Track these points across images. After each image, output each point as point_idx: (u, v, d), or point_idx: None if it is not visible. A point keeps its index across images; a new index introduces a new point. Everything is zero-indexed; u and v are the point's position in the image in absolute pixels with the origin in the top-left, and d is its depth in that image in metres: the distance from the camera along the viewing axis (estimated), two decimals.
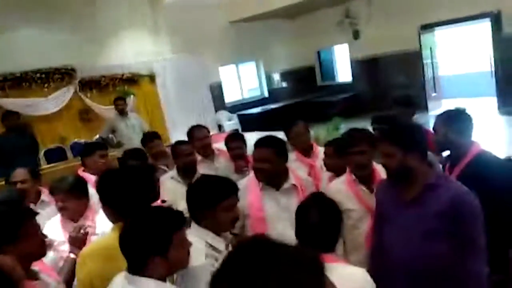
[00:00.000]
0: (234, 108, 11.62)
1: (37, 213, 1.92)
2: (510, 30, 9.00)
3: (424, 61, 10.60)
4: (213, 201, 1.87)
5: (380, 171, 2.40)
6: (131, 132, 6.52)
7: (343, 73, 13.10)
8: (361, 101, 11.74)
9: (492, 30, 9.25)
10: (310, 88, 13.13)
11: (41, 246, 1.84)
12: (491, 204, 1.97)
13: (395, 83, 10.90)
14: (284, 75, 12.98)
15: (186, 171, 3.24)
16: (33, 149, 5.83)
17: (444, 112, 2.62)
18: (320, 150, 3.36)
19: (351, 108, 11.29)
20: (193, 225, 1.93)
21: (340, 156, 2.61)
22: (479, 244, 1.87)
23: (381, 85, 11.31)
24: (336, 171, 2.81)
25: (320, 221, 1.65)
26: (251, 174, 2.61)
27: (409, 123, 2.29)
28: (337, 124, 7.28)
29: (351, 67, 12.31)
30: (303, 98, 12.35)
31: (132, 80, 9.23)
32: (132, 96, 8.90)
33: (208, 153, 3.71)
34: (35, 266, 1.88)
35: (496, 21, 9.11)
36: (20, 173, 3.27)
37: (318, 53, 13.32)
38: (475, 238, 1.87)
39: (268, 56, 12.41)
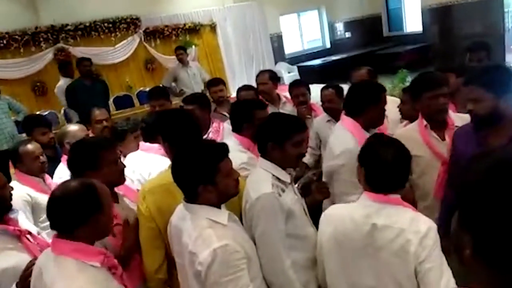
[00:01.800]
0: (294, 59, 11.38)
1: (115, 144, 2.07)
2: None
3: (506, 9, 9.62)
4: (282, 136, 1.90)
5: (454, 118, 2.33)
6: (193, 81, 6.66)
7: (412, 23, 12.27)
8: (431, 53, 11.00)
9: None
10: (376, 39, 12.49)
11: (120, 174, 2.00)
12: None
13: (469, 33, 10.02)
14: (348, 25, 12.41)
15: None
16: (105, 94, 6.11)
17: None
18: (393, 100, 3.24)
19: (420, 60, 10.62)
20: (260, 159, 1.98)
21: (415, 101, 2.45)
22: None
23: (453, 35, 10.46)
24: (412, 119, 2.68)
25: (391, 160, 1.59)
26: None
27: (500, 65, 2.07)
28: (403, 77, 6.96)
29: (422, 16, 11.47)
30: (367, 50, 11.79)
31: (194, 29, 9.28)
32: (194, 46, 8.96)
33: (273, 99, 3.70)
34: (119, 190, 2.07)
35: None
36: (103, 113, 3.51)
37: (386, 1, 12.51)
38: None
39: (331, 3, 11.88)
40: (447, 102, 2.28)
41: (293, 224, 1.86)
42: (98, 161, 1.91)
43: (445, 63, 9.43)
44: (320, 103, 3.35)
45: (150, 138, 2.71)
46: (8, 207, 1.97)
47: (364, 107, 2.34)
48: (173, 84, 6.78)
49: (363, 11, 12.46)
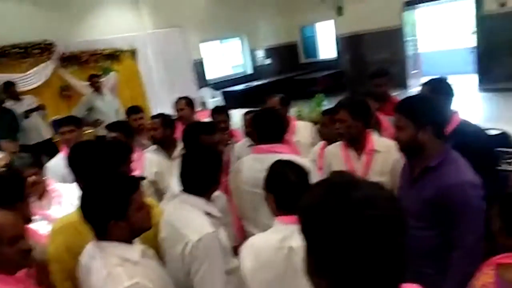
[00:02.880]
0: (219, 85, 11.55)
1: None
2: (490, 7, 9.11)
3: (405, 38, 10.68)
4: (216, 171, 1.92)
5: (377, 143, 2.48)
6: (109, 110, 6.34)
7: (326, 50, 13.11)
8: (344, 78, 11.81)
9: (476, 7, 9.32)
10: (294, 65, 13.13)
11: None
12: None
13: (378, 60, 10.97)
14: (268, 52, 12.91)
15: (162, 144, 3.28)
16: (13, 127, 5.73)
17: (430, 81, 2.67)
18: (298, 125, 3.44)
19: (335, 85, 11.35)
20: (187, 196, 1.94)
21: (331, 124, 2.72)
22: (464, 246, 1.76)
23: (363, 62, 11.37)
24: (331, 140, 2.87)
25: (296, 180, 1.69)
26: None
27: (425, 96, 2.21)
28: (320, 101, 7.31)
29: (337, 43, 12.31)
30: (286, 75, 12.36)
31: (113, 55, 9.06)
32: (113, 72, 8.75)
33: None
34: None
35: None
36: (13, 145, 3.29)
37: (302, 29, 13.27)
38: (460, 238, 1.77)
39: (252, 32, 12.31)
40: (341, 127, 2.44)
41: (226, 260, 1.85)
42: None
43: (357, 87, 10.16)
44: (242, 128, 3.46)
45: None
46: None
47: (281, 135, 2.46)
48: (86, 113, 6.33)
49: (281, 39, 13.06)
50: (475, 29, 9.53)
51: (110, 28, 9.14)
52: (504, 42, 8.97)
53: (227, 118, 3.68)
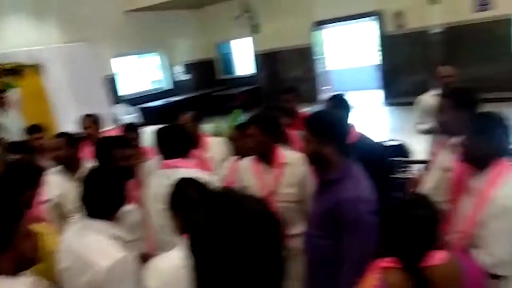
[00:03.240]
0: (135, 100, 11.18)
1: None
2: (391, 28, 9.95)
3: (316, 56, 11.27)
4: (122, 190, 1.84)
5: (284, 154, 2.54)
6: (13, 128, 5.89)
7: (243, 67, 13.36)
8: (262, 94, 12.09)
9: (378, 28, 10.12)
10: (212, 81, 13.19)
11: None
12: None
13: (292, 76, 11.43)
14: (187, 68, 12.84)
15: (66, 165, 3.08)
16: None
17: (332, 97, 2.81)
18: (211, 142, 3.45)
19: (252, 101, 11.57)
20: (87, 222, 1.81)
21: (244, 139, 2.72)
22: (352, 259, 1.82)
23: (279, 78, 11.76)
24: (243, 154, 2.87)
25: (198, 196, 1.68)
26: None
27: (331, 112, 2.28)
28: (237, 117, 7.40)
29: (255, 60, 12.62)
30: (204, 91, 12.36)
31: (15, 70, 8.38)
32: (14, 88, 8.08)
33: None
34: None
35: (380, 20, 9.99)
36: None
37: (219, 46, 13.41)
38: (347, 249, 1.84)
39: (171, 47, 12.16)
40: (252, 142, 2.49)
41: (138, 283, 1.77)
42: None
43: (272, 103, 10.46)
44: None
45: None
46: None
47: (185, 150, 2.46)
48: None
49: (200, 54, 13.08)
50: (379, 48, 10.33)
51: (12, 41, 8.48)
52: (404, 60, 9.84)
53: (137, 135, 3.57)
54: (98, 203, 1.81)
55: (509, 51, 8.65)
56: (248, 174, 2.58)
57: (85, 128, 3.69)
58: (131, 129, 3.63)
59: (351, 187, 1.88)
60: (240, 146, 3.00)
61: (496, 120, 1.86)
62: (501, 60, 8.62)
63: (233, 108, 8.11)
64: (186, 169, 2.38)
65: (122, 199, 1.88)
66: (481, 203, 1.74)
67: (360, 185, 1.90)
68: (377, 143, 2.71)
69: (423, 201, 1.56)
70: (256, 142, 2.47)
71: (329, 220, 1.90)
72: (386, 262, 1.51)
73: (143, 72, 12.14)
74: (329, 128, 1.95)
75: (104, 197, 1.81)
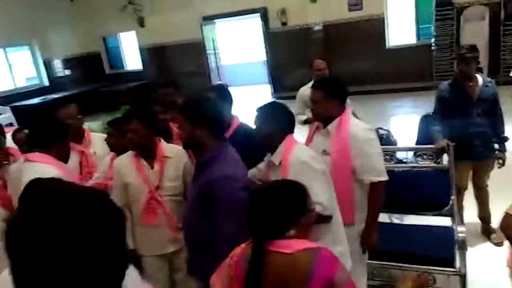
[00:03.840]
0: (7, 99, 10.06)
1: None
2: (274, 25, 10.35)
3: (208, 51, 11.26)
4: None
5: (166, 149, 2.55)
6: None
7: (132, 61, 12.82)
8: (151, 89, 11.72)
9: (262, 25, 10.45)
10: (98, 76, 12.43)
11: None
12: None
13: (184, 71, 11.26)
14: (67, 62, 11.89)
15: None
16: None
17: (214, 87, 3.00)
18: (93, 137, 3.30)
19: (142, 96, 11.14)
20: None
21: (121, 135, 2.62)
22: (224, 235, 1.88)
23: (171, 73, 11.51)
24: (120, 150, 2.75)
25: None
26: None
27: (204, 98, 2.28)
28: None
29: (140, 55, 12.14)
30: (90, 87, 11.60)
31: None
32: None
33: None
34: None
35: (264, 17, 10.33)
36: None
37: (104, 39, 12.66)
38: (220, 225, 1.91)
39: (45, 40, 11.14)
40: (133, 137, 2.44)
41: None
42: None
43: (152, 97, 10.21)
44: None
45: None
46: None
47: (54, 140, 2.40)
48: None
49: (82, 48, 12.20)
50: (264, 44, 10.68)
51: None
52: (288, 56, 10.31)
53: (3, 135, 3.18)
54: None
55: (382, 47, 9.59)
56: (129, 171, 2.49)
57: None
58: None
59: (222, 167, 1.98)
60: (115, 142, 2.87)
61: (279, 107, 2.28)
62: (374, 55, 9.51)
63: (122, 104, 7.73)
64: (38, 165, 2.29)
65: None
66: (284, 171, 2.08)
67: (230, 165, 2.00)
68: (252, 130, 2.83)
69: (278, 185, 1.59)
70: (139, 137, 2.44)
71: (203, 200, 1.97)
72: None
73: (15, 68, 10.95)
74: (200, 112, 2.03)
75: None
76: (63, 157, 2.45)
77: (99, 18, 11.73)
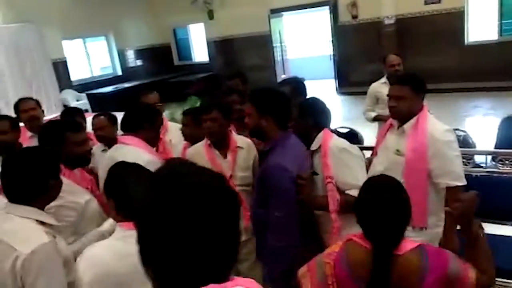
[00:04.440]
0: (83, 87, 10.73)
1: None
2: (344, 19, 10.09)
3: (274, 44, 11.24)
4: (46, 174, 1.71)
5: (237, 140, 2.61)
6: None
7: (200, 53, 13.13)
8: (218, 81, 11.93)
9: (331, 18, 10.23)
10: (167, 67, 12.87)
11: None
12: None
13: (249, 64, 11.34)
14: (139, 53, 12.43)
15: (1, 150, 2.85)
16: None
17: (289, 80, 3.11)
18: (170, 125, 3.43)
19: (208, 88, 11.38)
20: (10, 207, 1.69)
21: (196, 125, 2.75)
22: (274, 219, 1.98)
23: (236, 66, 11.63)
24: (193, 140, 2.85)
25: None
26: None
27: (273, 89, 2.37)
28: (193, 104, 7.31)
29: (208, 47, 12.39)
30: (159, 78, 12.03)
31: None
32: None
33: (38, 127, 3.34)
34: None
35: (334, 9, 10.10)
36: None
37: (174, 31, 13.08)
38: (272, 212, 1.99)
39: (119, 31, 11.71)
40: (212, 126, 2.49)
41: (67, 271, 1.68)
42: None
43: (224, 88, 10.37)
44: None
45: None
46: None
47: (140, 125, 2.49)
48: None
49: (153, 40, 12.69)
50: (332, 37, 10.45)
51: None
52: (356, 51, 10.01)
53: (82, 120, 3.38)
54: (18, 187, 1.69)
55: (460, 43, 9.01)
56: (201, 160, 2.53)
57: (25, 111, 3.40)
58: (75, 113, 3.44)
59: (275, 156, 2.05)
60: (190, 131, 2.96)
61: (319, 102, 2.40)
62: (452, 51, 8.96)
63: (189, 95, 7.97)
64: (131, 147, 2.39)
65: (46, 187, 1.73)
66: (325, 155, 2.21)
67: (283, 155, 2.04)
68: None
69: (391, 184, 1.57)
70: (219, 126, 2.52)
71: (260, 186, 2.06)
72: (356, 236, 1.53)
73: (92, 57, 11.64)
74: (267, 102, 2.12)
75: (23, 181, 1.68)
76: (152, 142, 2.55)
77: (171, 10, 12.10)
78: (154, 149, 2.64)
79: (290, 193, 1.93)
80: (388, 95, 2.38)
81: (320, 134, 2.30)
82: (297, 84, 3.03)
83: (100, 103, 9.75)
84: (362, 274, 1.46)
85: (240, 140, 2.61)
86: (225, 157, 2.55)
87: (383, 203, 1.47)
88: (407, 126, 2.30)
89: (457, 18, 8.93)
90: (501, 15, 8.95)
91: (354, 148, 2.32)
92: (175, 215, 0.73)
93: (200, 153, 2.58)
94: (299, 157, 2.15)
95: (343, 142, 2.30)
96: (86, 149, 2.34)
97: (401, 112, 2.33)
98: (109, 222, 2.11)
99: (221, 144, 2.57)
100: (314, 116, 2.33)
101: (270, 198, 1.98)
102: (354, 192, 1.94)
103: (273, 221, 1.95)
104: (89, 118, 3.52)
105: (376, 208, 1.47)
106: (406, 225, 1.48)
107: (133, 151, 2.35)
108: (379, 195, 1.50)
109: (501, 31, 8.97)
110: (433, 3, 9.06)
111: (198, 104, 6.96)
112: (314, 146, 2.28)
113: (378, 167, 2.39)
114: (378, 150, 2.52)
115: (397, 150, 2.31)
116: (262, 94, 2.20)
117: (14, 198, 1.68)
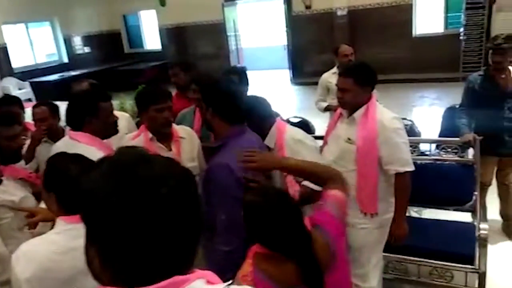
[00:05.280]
0: (26, 74, 10.16)
1: None
2: (297, 8, 10.13)
3: (228, 33, 11.12)
4: None
5: (178, 129, 2.45)
6: None
7: (152, 41, 12.77)
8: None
9: (285, 8, 10.24)
10: (117, 55, 12.44)
11: None
12: None
13: (203, 52, 11.17)
14: (87, 40, 11.91)
15: None
16: None
17: (233, 69, 2.87)
18: (120, 116, 3.20)
19: (160, 77, 11.12)
20: None
21: (142, 114, 2.46)
22: (219, 221, 1.82)
23: (189, 54, 11.44)
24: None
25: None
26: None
27: (217, 81, 2.19)
28: None
29: (160, 34, 12.07)
30: (108, 65, 11.61)
31: None
32: None
33: None
34: None
35: (288, 0, 10.12)
36: None
37: (124, 18, 12.62)
38: (217, 213, 1.83)
39: (66, 17, 11.16)
40: (170, 116, 2.33)
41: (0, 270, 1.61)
42: None
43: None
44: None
45: None
46: None
47: (83, 119, 2.20)
48: None
49: (102, 26, 12.20)
50: (286, 28, 10.48)
51: None
52: (310, 41, 10.11)
53: (20, 110, 3.17)
54: None
55: (409, 35, 9.31)
56: None
57: None
58: (11, 102, 3.21)
59: (221, 155, 1.89)
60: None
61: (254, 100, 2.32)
62: (401, 43, 9.24)
63: (140, 84, 7.71)
64: (84, 147, 2.12)
65: None
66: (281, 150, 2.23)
67: (228, 153, 1.86)
68: None
69: (277, 193, 1.52)
70: (171, 116, 2.39)
71: (205, 186, 1.88)
72: (256, 247, 1.46)
73: (36, 44, 11.02)
74: (209, 96, 1.97)
75: None
76: (101, 132, 2.26)
77: None
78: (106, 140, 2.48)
79: (231, 192, 1.78)
80: (336, 86, 2.40)
81: (274, 128, 2.26)
82: (240, 75, 2.93)
83: (44, 92, 9.28)
84: (292, 281, 1.40)
85: (181, 130, 2.48)
86: (169, 149, 2.38)
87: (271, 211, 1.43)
88: (357, 114, 2.33)
89: (405, 11, 9.22)
90: (447, 9, 9.34)
91: (309, 138, 2.29)
92: (132, 206, 0.68)
93: (141, 145, 2.37)
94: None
95: (298, 133, 2.27)
96: (18, 145, 2.21)
97: (346, 103, 2.36)
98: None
99: (163, 136, 2.38)
100: (258, 111, 2.26)
101: (213, 198, 1.84)
102: (310, 184, 1.91)
103: (220, 224, 1.81)
104: (29, 108, 3.31)
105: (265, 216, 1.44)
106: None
107: (87, 151, 2.17)
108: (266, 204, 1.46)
109: (446, 24, 9.36)
110: None
111: None
112: (269, 143, 2.22)
113: (329, 156, 2.41)
114: (328, 139, 2.53)
115: (348, 139, 2.33)
116: (205, 88, 2.08)
117: None
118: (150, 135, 2.37)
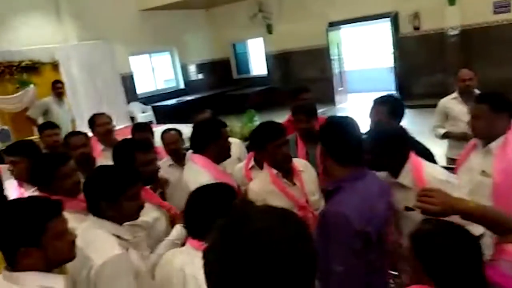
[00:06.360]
0: (148, 99, 11.27)
1: None
2: (405, 30, 9.83)
3: (332, 57, 11.17)
4: (115, 192, 1.76)
5: (295, 162, 2.38)
6: (66, 118, 6.38)
7: (258, 67, 13.34)
8: (275, 94, 12.05)
9: (392, 30, 10.01)
10: (226, 81, 13.20)
11: None
12: None
13: (306, 77, 11.35)
14: (200, 67, 12.87)
15: (80, 163, 3.03)
16: None
17: (385, 99, 2.63)
18: (234, 142, 3.37)
19: (266, 101, 11.54)
20: (91, 218, 1.82)
21: (260, 152, 2.41)
22: (335, 273, 1.68)
23: (293, 79, 11.70)
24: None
25: None
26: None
27: (333, 123, 2.04)
28: (251, 117, 7.34)
29: (266, 60, 12.57)
30: (219, 91, 12.38)
31: (32, 67, 8.51)
32: (32, 85, 8.20)
33: (112, 142, 3.52)
34: None
35: (395, 21, 9.88)
36: None
37: (234, 46, 13.40)
38: (332, 263, 1.69)
39: (182, 46, 12.20)
40: (288, 150, 2.29)
41: (140, 282, 1.74)
42: None
43: (287, 103, 10.41)
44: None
45: None
46: None
47: (206, 143, 2.42)
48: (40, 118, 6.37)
49: (214, 54, 13.09)
50: (393, 50, 10.20)
51: (29, 38, 8.60)
52: (418, 62, 9.70)
53: (149, 134, 3.49)
54: (96, 203, 1.79)
55: None
56: (272, 195, 2.26)
57: (100, 125, 3.62)
58: (143, 128, 3.58)
59: (338, 200, 1.76)
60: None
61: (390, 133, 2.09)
62: None
63: (247, 109, 8.06)
64: (198, 168, 2.37)
65: (120, 205, 1.79)
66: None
67: (346, 200, 1.72)
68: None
69: (460, 230, 1.37)
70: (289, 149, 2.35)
71: (321, 231, 1.77)
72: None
73: (156, 71, 12.20)
74: (326, 140, 1.87)
75: (99, 199, 1.77)
76: (220, 156, 2.48)
77: (231, 25, 12.46)
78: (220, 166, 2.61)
79: (348, 244, 1.64)
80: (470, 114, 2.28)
81: (409, 165, 1.97)
82: (393, 104, 2.58)
83: (164, 115, 10.20)
84: None
85: (297, 163, 2.39)
86: (293, 183, 2.30)
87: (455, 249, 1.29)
88: (493, 145, 2.18)
89: None
90: None
91: (451, 176, 2.03)
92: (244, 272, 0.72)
93: (269, 189, 2.26)
94: (370, 199, 1.78)
95: (438, 171, 2.00)
96: (155, 169, 2.40)
97: (479, 131, 2.22)
98: (177, 229, 2.16)
99: (285, 171, 2.30)
100: (390, 151, 1.98)
101: (329, 247, 1.70)
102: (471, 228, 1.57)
103: (334, 275, 1.69)
104: (154, 129, 3.66)
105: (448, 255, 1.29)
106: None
107: (196, 173, 2.35)
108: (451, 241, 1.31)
109: None
110: (502, 12, 8.60)
111: (255, 118, 7.02)
112: (405, 181, 1.97)
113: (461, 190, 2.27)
114: (459, 171, 2.37)
115: (483, 171, 2.19)
116: (324, 128, 1.94)
117: (95, 212, 1.80)
118: (275, 171, 2.29)
